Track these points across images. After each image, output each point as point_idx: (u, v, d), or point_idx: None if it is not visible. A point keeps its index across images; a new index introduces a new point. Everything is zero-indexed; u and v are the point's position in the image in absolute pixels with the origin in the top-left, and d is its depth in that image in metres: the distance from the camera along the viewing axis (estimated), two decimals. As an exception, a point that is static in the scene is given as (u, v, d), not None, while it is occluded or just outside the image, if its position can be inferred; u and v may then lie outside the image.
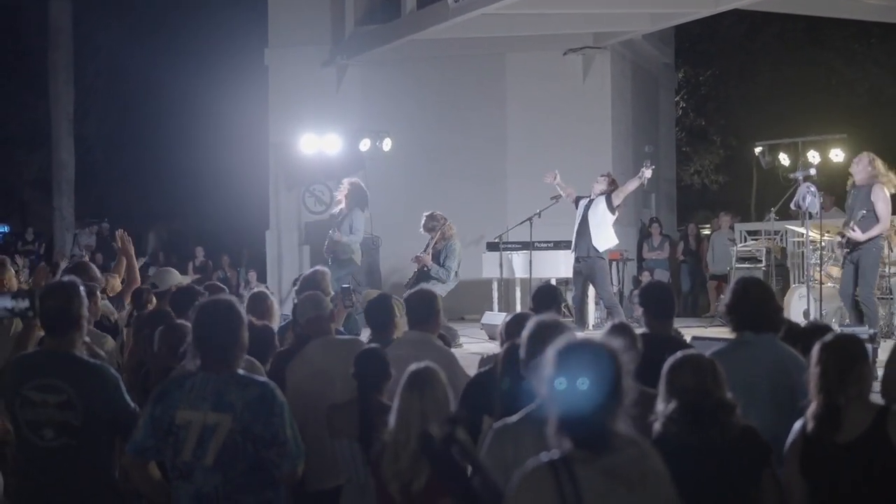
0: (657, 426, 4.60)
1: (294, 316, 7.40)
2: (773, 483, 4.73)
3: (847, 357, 4.71)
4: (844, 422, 4.61)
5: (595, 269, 13.61)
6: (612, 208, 13.62)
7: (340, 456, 5.66)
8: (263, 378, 5.00)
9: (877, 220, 11.83)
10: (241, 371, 4.95)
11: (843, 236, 12.14)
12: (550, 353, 3.51)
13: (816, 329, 6.79)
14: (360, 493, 5.58)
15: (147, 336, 7.18)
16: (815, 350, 4.77)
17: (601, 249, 13.55)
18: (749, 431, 4.70)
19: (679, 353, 4.79)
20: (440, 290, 13.68)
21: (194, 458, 4.78)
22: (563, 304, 7.99)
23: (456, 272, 13.74)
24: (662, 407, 4.66)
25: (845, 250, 12.17)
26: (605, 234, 13.58)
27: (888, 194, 11.95)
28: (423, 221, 13.84)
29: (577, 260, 13.83)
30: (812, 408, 4.72)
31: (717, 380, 4.69)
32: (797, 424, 4.85)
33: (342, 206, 14.55)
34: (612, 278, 15.37)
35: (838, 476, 4.60)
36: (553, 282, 15.53)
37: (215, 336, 4.91)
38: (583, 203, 13.80)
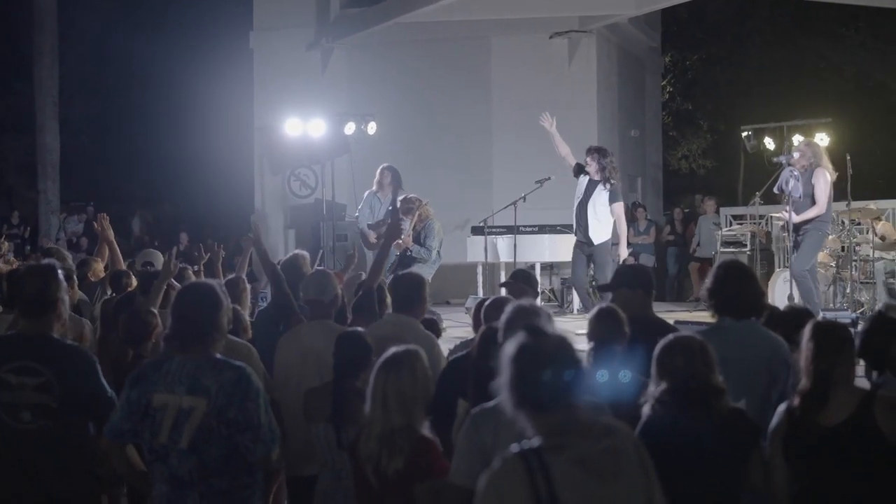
0: (647, 408, 4.60)
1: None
2: (760, 464, 4.74)
3: (837, 340, 4.74)
4: (831, 405, 4.63)
5: (597, 253, 13.40)
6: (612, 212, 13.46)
7: (316, 440, 5.64)
8: (240, 362, 4.97)
9: (813, 203, 11.85)
10: (218, 355, 4.93)
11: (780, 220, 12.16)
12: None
13: (796, 314, 6.79)
14: (336, 477, 5.55)
15: (116, 320, 7.17)
16: (807, 332, 4.79)
17: (596, 242, 13.38)
18: (738, 413, 4.72)
19: (671, 335, 4.77)
20: (425, 272, 13.68)
21: (170, 442, 4.77)
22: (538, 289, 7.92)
23: (438, 251, 13.73)
24: (653, 388, 4.65)
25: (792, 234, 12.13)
26: (603, 228, 13.43)
27: (829, 179, 11.97)
28: (398, 205, 13.83)
29: (579, 243, 13.53)
30: (800, 388, 4.74)
31: (708, 362, 4.68)
32: (782, 407, 4.86)
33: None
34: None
35: (823, 459, 4.62)
36: (538, 266, 15.59)
37: (194, 318, 4.91)
38: (583, 182, 13.51)
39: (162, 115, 30.62)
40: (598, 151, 13.44)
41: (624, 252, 13.06)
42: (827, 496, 4.63)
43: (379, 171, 15.04)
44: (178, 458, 4.77)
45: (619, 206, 13.22)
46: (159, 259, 9.08)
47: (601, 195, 13.17)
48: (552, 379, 3.39)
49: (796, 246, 12.02)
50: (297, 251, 8.93)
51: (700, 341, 4.80)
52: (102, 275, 9.71)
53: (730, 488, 4.58)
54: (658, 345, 4.76)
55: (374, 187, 14.98)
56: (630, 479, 3.44)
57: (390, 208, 14.00)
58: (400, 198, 13.90)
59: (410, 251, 13.31)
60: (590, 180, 13.33)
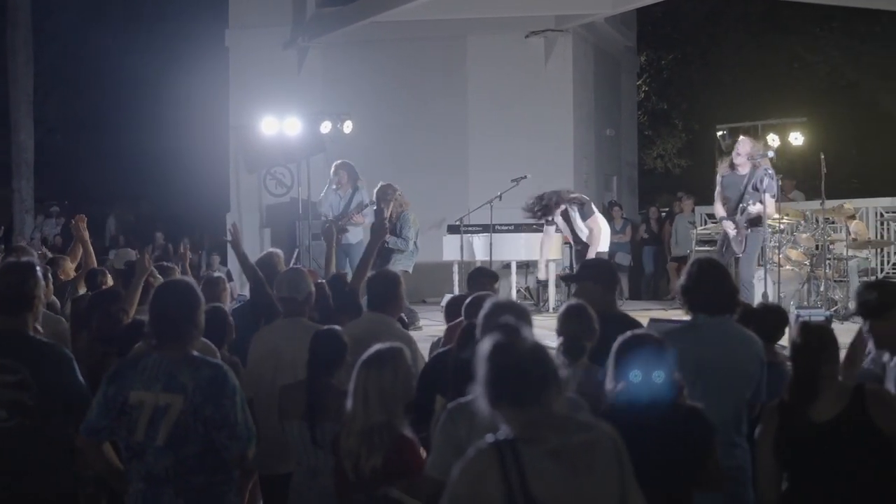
0: (606, 404, 4.61)
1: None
2: (716, 464, 4.76)
3: (823, 337, 4.78)
4: (820, 401, 4.66)
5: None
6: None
7: (290, 438, 5.64)
8: (216, 360, 4.98)
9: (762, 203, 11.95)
10: (195, 352, 4.94)
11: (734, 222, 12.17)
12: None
13: (769, 311, 6.84)
14: (311, 475, 5.55)
15: (88, 318, 7.16)
16: (793, 330, 4.89)
17: (606, 249, 13.62)
18: (695, 412, 4.72)
19: (629, 333, 4.79)
20: (405, 263, 13.74)
21: (146, 439, 4.78)
22: (496, 286, 7.97)
23: (415, 242, 13.79)
24: (611, 386, 4.67)
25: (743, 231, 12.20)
26: (601, 240, 13.57)
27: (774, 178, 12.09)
28: (375, 193, 13.87)
29: (576, 243, 13.84)
30: (790, 386, 4.77)
31: (665, 360, 4.71)
32: (771, 404, 4.89)
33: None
34: (571, 262, 15.34)
35: (817, 455, 4.65)
36: (513, 264, 15.64)
37: (171, 316, 4.92)
38: (563, 227, 13.77)
39: (137, 114, 30.52)
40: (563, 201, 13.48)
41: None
42: (820, 492, 4.66)
43: (334, 168, 15.07)
44: (155, 456, 4.78)
45: (593, 220, 13.35)
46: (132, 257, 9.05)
47: (577, 220, 13.36)
48: (526, 376, 3.42)
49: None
50: (271, 249, 8.94)
51: (659, 339, 4.84)
52: (73, 274, 9.68)
53: (685, 488, 4.60)
54: (616, 343, 4.79)
55: (334, 185, 14.99)
56: (604, 474, 3.46)
57: (373, 205, 14.00)
58: (376, 188, 13.93)
59: (387, 242, 13.33)
60: (563, 215, 13.57)
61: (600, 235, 13.37)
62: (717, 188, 12.61)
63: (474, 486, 3.39)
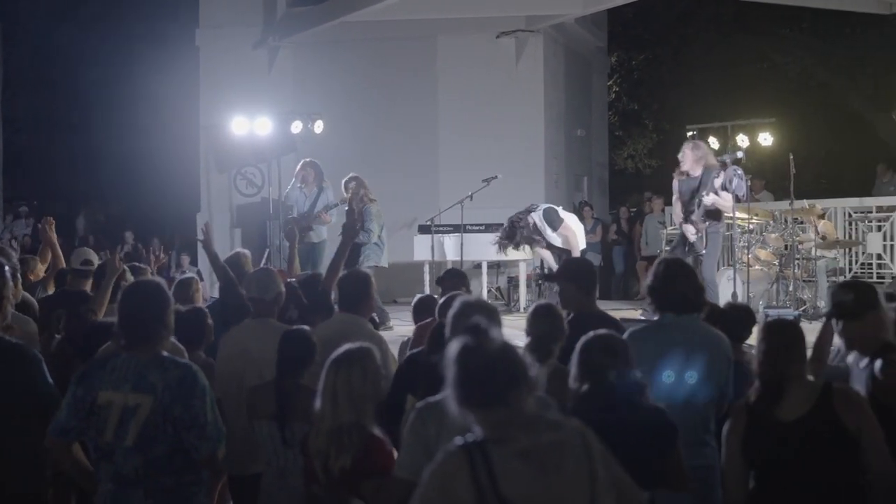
0: (569, 404, 4.63)
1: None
2: (679, 464, 4.79)
3: (790, 336, 4.80)
4: (787, 400, 4.69)
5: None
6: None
7: (260, 438, 5.63)
8: (185, 360, 4.97)
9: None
10: (164, 353, 4.92)
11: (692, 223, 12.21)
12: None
13: (737, 310, 6.89)
14: (280, 475, 5.55)
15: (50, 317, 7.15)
16: (760, 330, 4.86)
17: (583, 246, 13.62)
18: (658, 411, 4.74)
19: (591, 333, 4.81)
20: (374, 258, 13.75)
21: (115, 439, 4.77)
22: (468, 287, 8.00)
23: (380, 235, 13.80)
24: (575, 386, 4.69)
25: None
26: (577, 240, 13.55)
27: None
28: (343, 183, 13.98)
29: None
30: (756, 386, 4.79)
31: (628, 360, 4.74)
32: (738, 403, 4.91)
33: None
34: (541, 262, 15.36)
35: (783, 454, 4.67)
36: (484, 264, 15.67)
37: (140, 316, 4.90)
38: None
39: (107, 113, 30.37)
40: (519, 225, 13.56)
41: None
42: (787, 491, 4.69)
43: (301, 165, 15.07)
44: (124, 456, 4.76)
45: (563, 227, 13.36)
46: (94, 257, 8.97)
47: (546, 231, 13.35)
48: (494, 377, 3.43)
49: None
50: (238, 249, 8.94)
51: (621, 339, 4.86)
52: (43, 275, 9.63)
53: (647, 487, 4.62)
54: (579, 343, 4.80)
55: (299, 183, 15.00)
56: (574, 474, 3.46)
57: (343, 204, 14.01)
58: (345, 178, 13.98)
59: None
60: (533, 228, 13.48)
61: (576, 238, 13.36)
62: (675, 195, 12.65)
63: (445, 488, 3.40)
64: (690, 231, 12.19)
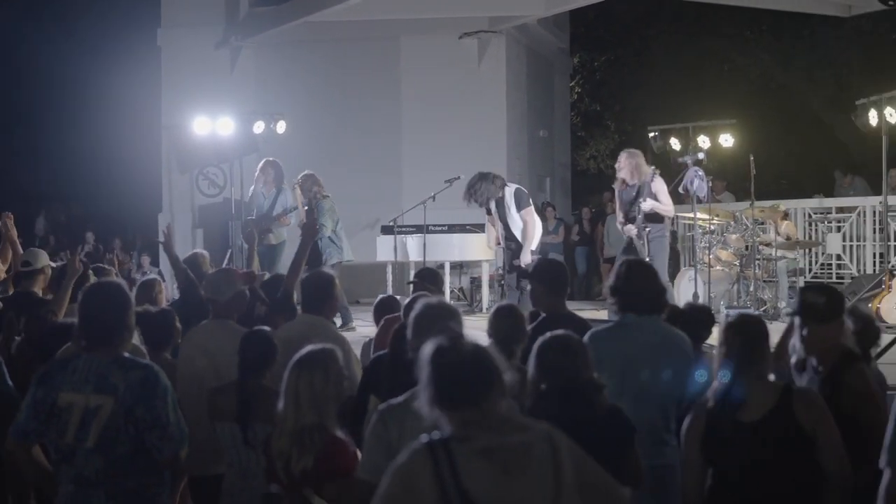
0: (528, 404, 4.65)
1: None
2: (635, 462, 4.81)
3: (751, 336, 4.80)
4: (748, 400, 4.70)
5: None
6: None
7: (222, 439, 5.62)
8: (147, 361, 4.95)
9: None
10: (126, 353, 4.90)
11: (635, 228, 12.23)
12: None
13: (696, 310, 6.93)
14: (242, 476, 5.54)
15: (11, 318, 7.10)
16: (721, 330, 4.86)
17: (535, 247, 13.29)
18: (615, 411, 4.77)
19: (548, 334, 4.83)
20: (336, 255, 13.72)
21: (76, 441, 4.74)
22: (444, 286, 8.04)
23: (335, 230, 13.76)
24: (533, 385, 4.72)
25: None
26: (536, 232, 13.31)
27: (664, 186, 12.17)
28: (298, 181, 13.98)
29: (507, 238, 13.14)
30: (715, 386, 4.81)
31: (586, 359, 4.76)
32: (699, 402, 4.93)
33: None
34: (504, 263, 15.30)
35: (743, 454, 4.68)
36: (447, 265, 15.66)
37: (100, 317, 4.88)
38: (495, 212, 13.08)
39: (67, 113, 30.18)
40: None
41: (526, 258, 12.50)
42: (744, 490, 4.70)
43: (262, 165, 15.03)
44: (85, 458, 4.73)
45: (528, 211, 13.02)
46: (39, 257, 8.89)
47: (512, 208, 12.89)
48: (465, 379, 3.48)
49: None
50: (196, 250, 8.92)
51: (578, 339, 4.88)
52: (3, 276, 9.56)
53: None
54: (536, 343, 4.82)
55: (260, 183, 14.95)
56: (538, 476, 3.49)
57: (304, 206, 14.00)
58: (297, 180, 14.00)
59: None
60: (497, 203, 12.97)
61: (534, 230, 12.92)
62: (616, 202, 12.68)
63: (408, 484, 3.44)
64: (632, 231, 12.14)
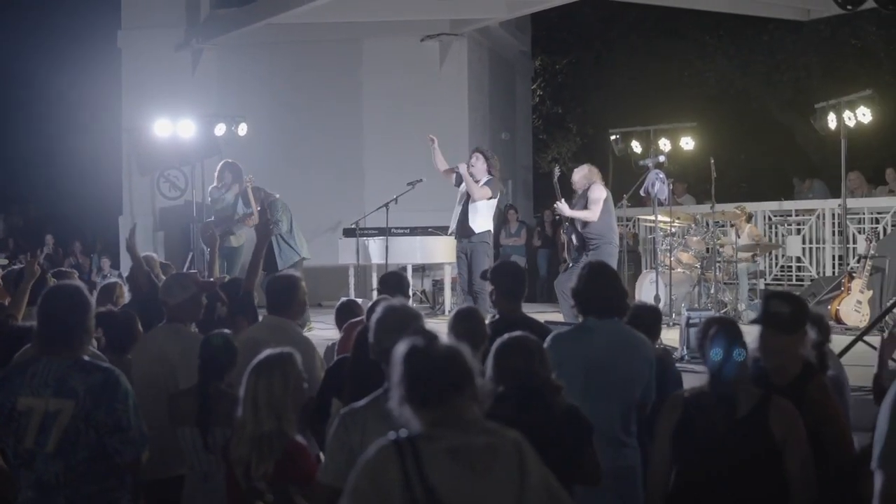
0: (485, 405, 4.66)
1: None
2: (594, 462, 4.83)
3: (729, 337, 4.75)
4: (736, 403, 4.68)
5: (477, 252, 13.18)
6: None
7: (182, 443, 5.59)
8: (107, 364, 4.91)
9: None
10: (86, 357, 4.87)
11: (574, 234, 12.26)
12: None
13: (643, 309, 6.95)
14: (202, 480, 5.51)
15: None
16: (711, 332, 4.79)
17: (477, 231, 13.17)
18: (573, 411, 4.78)
19: (506, 336, 4.84)
20: (289, 254, 13.74)
21: (36, 446, 4.70)
22: (409, 290, 8.02)
23: (290, 229, 13.77)
24: (490, 387, 4.72)
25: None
26: (483, 220, 13.24)
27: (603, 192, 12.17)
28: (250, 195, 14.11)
29: (459, 242, 13.30)
30: (705, 383, 4.80)
31: (544, 361, 4.77)
32: (678, 394, 4.93)
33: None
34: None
35: (713, 455, 4.67)
36: (409, 268, 15.65)
37: (60, 319, 4.84)
38: (463, 188, 13.18)
39: (26, 115, 29.90)
40: (486, 156, 13.25)
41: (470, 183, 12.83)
42: (709, 491, 4.69)
43: (219, 168, 15.03)
44: (45, 463, 4.70)
45: (485, 190, 12.97)
46: None
47: (474, 177, 12.96)
48: (436, 379, 3.52)
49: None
50: (146, 253, 8.89)
51: (536, 341, 4.89)
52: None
53: (565, 484, 4.66)
54: (494, 345, 4.83)
55: (218, 186, 14.95)
56: (502, 479, 3.52)
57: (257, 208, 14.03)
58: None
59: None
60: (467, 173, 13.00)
61: (477, 192, 12.93)
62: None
63: (375, 479, 3.47)
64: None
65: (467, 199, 13.04)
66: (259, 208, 13.93)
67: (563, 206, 12.19)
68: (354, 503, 3.52)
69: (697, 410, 4.76)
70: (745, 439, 4.63)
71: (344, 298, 8.49)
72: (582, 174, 12.31)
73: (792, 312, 5.02)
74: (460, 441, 3.50)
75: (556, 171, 12.91)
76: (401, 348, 3.61)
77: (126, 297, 8.65)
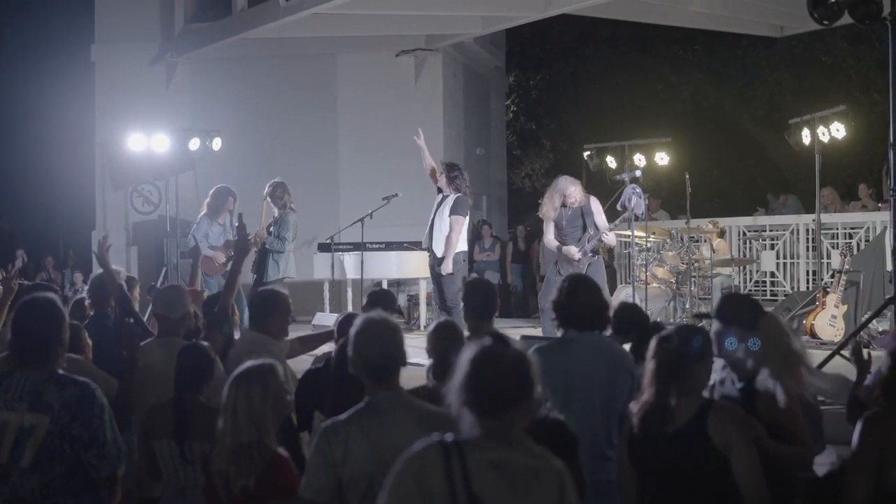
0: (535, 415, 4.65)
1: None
2: (580, 476, 4.81)
3: (681, 352, 4.73)
4: (675, 413, 4.68)
5: (443, 267, 12.89)
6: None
7: (159, 456, 5.53)
8: (83, 378, 4.86)
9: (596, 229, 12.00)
10: (61, 370, 4.82)
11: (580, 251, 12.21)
12: None
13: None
14: (180, 494, 5.44)
15: None
16: (652, 344, 4.80)
17: (439, 255, 12.77)
18: (557, 424, 4.76)
19: (479, 348, 4.80)
20: (273, 272, 13.42)
21: (11, 461, 4.65)
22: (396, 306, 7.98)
23: (283, 250, 13.58)
24: (543, 397, 4.70)
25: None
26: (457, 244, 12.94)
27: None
28: (266, 190, 13.63)
29: (431, 257, 12.84)
30: (643, 398, 4.80)
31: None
32: (632, 408, 4.91)
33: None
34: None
35: (660, 465, 4.69)
36: (385, 283, 15.62)
37: (34, 332, 4.80)
38: (438, 198, 12.79)
39: (-1, 128, 29.82)
40: (447, 165, 13.06)
41: (448, 267, 12.37)
42: (663, 501, 4.70)
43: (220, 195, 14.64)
44: (20, 478, 4.65)
45: (457, 219, 12.50)
46: None
47: (446, 208, 12.60)
48: (503, 387, 3.51)
49: None
50: (113, 266, 8.84)
51: (515, 352, 4.86)
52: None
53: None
54: (462, 357, 4.81)
55: (205, 210, 14.40)
56: (541, 501, 3.52)
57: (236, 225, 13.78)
58: (269, 188, 13.65)
59: (265, 242, 13.22)
60: (442, 196, 12.71)
61: (456, 241, 12.47)
62: (549, 225, 12.48)
63: (419, 475, 3.46)
64: (573, 254, 12.05)
65: (436, 211, 12.77)
66: (239, 224, 13.60)
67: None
68: (396, 496, 3.49)
69: (642, 422, 4.77)
70: (685, 449, 4.63)
71: (322, 313, 8.46)
72: (580, 189, 12.22)
73: (749, 310, 5.20)
74: (505, 455, 3.49)
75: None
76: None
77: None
